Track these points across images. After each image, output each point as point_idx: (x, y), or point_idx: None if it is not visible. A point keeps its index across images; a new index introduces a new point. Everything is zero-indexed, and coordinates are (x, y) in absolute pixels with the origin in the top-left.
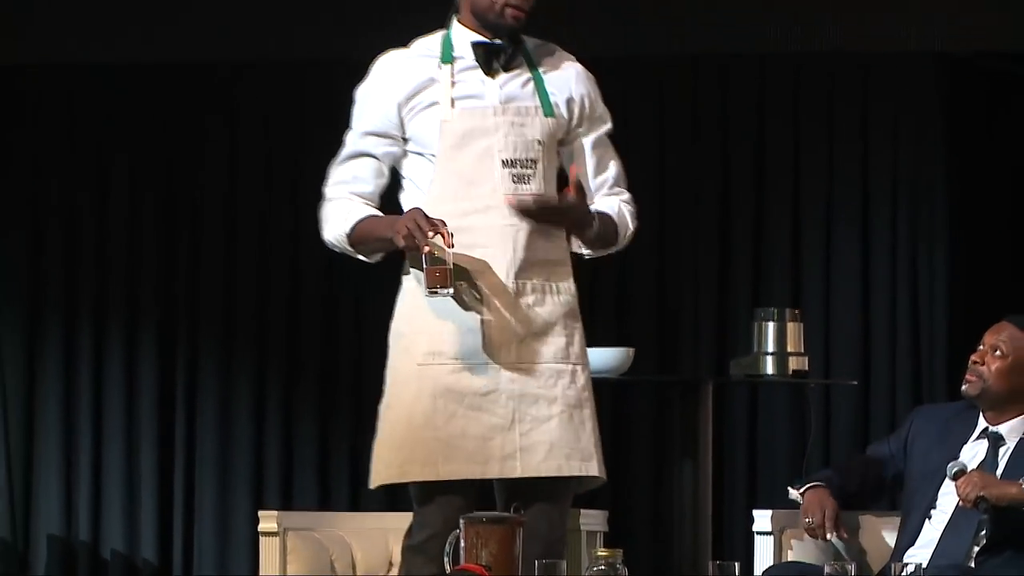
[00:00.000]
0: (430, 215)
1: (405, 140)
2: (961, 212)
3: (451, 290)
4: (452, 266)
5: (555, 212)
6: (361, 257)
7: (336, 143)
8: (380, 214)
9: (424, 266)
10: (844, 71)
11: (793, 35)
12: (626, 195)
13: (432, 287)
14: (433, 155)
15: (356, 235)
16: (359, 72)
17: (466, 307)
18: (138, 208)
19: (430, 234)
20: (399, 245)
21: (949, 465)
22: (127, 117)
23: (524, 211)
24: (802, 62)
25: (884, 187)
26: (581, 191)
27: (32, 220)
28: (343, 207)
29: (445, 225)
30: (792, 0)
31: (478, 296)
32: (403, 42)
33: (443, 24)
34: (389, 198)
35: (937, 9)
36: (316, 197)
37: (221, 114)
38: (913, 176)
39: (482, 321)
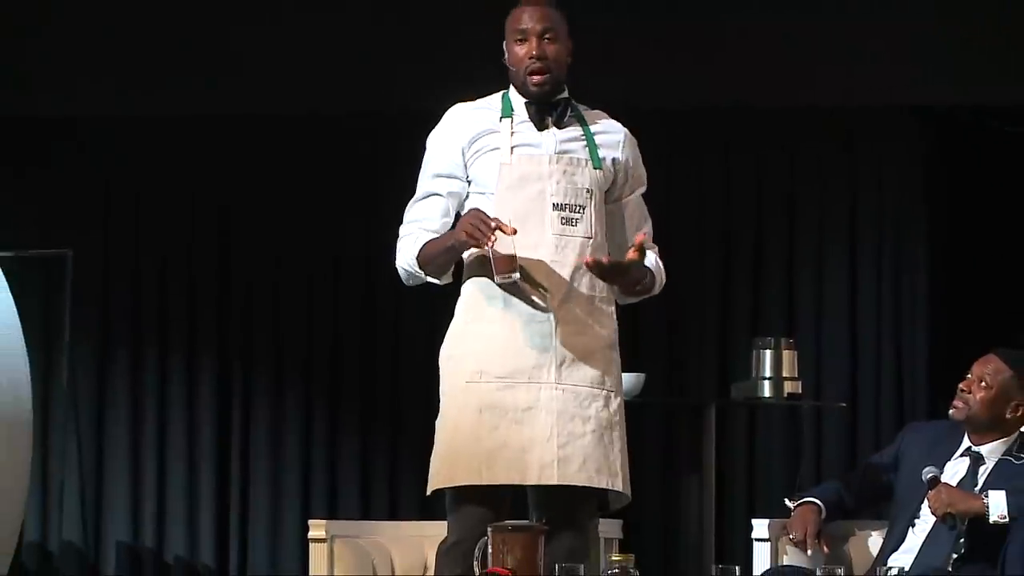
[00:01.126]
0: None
1: (468, 182)
2: (940, 250)
3: (518, 274)
4: (516, 252)
5: (619, 271)
6: (431, 279)
7: (382, 189)
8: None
9: (491, 257)
10: (834, 122)
11: (789, 90)
12: (656, 248)
13: (502, 273)
14: (492, 194)
15: (423, 257)
16: (408, 124)
17: (528, 299)
18: (196, 249)
19: (492, 224)
20: (464, 243)
21: (925, 470)
22: (185, 167)
23: (595, 270)
24: (796, 114)
25: (870, 228)
26: (642, 255)
27: (102, 255)
28: (412, 239)
29: (500, 220)
30: (788, 59)
31: (540, 290)
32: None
33: (502, 84)
34: None
35: (918, 67)
36: (358, 232)
37: (269, 163)
38: (896, 218)
39: (526, 345)
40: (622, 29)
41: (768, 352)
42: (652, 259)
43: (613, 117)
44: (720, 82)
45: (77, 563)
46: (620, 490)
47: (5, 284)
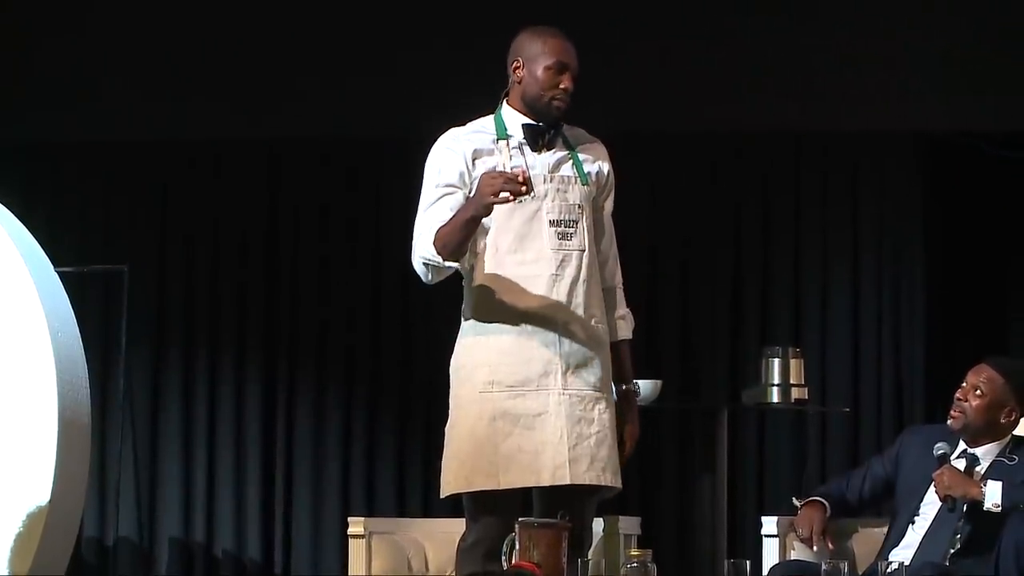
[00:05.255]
0: (495, 259)
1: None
2: (936, 267)
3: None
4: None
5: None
6: (449, 264)
7: (405, 204)
8: None
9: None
10: (836, 146)
11: (794, 115)
12: (621, 281)
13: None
14: (492, 214)
15: (439, 241)
16: (418, 147)
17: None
18: (246, 258)
19: (519, 177)
20: (489, 205)
21: (936, 446)
22: (235, 187)
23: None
24: (801, 139)
25: (871, 245)
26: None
27: (157, 269)
28: (427, 233)
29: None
30: (793, 85)
31: (544, 301)
32: (459, 121)
33: (490, 109)
34: None
35: (917, 95)
36: (393, 251)
37: (310, 182)
38: (896, 235)
39: (532, 355)
40: (641, 55)
41: (776, 361)
42: (626, 330)
43: (599, 134)
44: (732, 109)
45: (132, 557)
46: (618, 486)
47: (65, 296)
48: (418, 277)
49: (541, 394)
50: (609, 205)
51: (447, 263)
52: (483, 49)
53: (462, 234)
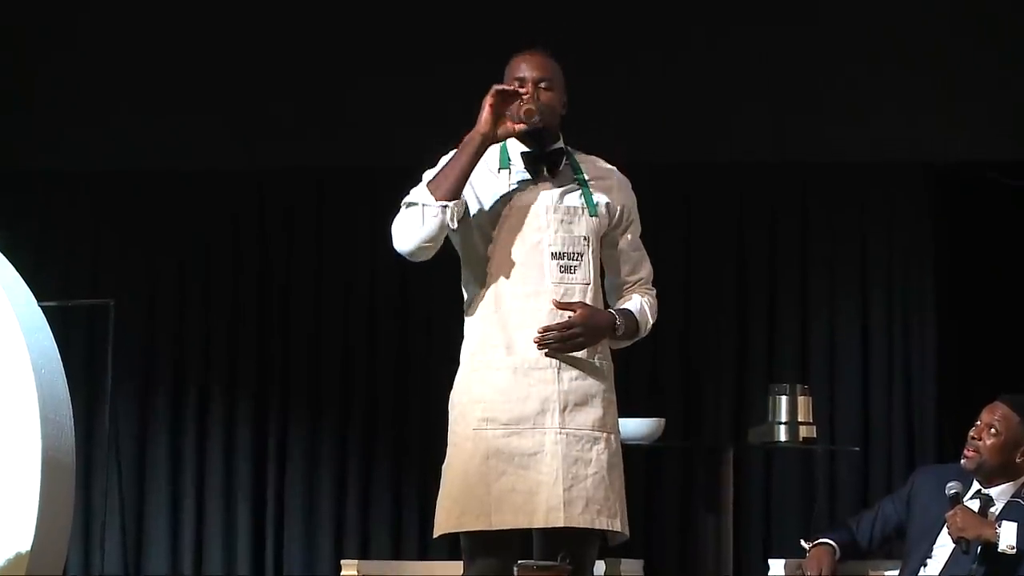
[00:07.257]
0: (488, 298)
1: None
2: (946, 299)
3: (538, 116)
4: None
5: (570, 333)
6: (439, 203)
7: None
8: None
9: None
10: (844, 178)
11: (800, 146)
12: (653, 291)
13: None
14: (492, 245)
15: (435, 180)
16: (414, 177)
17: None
18: (236, 292)
19: (522, 92)
20: (504, 92)
21: (948, 485)
22: (224, 217)
23: (546, 347)
24: (808, 170)
25: (880, 279)
26: (571, 307)
27: (146, 304)
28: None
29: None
30: (800, 116)
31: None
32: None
33: None
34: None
35: (924, 124)
36: (391, 280)
37: (306, 212)
38: (905, 270)
39: (529, 392)
40: (645, 84)
41: (784, 398)
42: (637, 303)
43: (611, 163)
44: (738, 139)
45: None
46: (619, 530)
47: (49, 331)
48: (412, 298)
49: (537, 433)
50: (629, 236)
51: (438, 201)
52: (480, 76)
53: (464, 165)
